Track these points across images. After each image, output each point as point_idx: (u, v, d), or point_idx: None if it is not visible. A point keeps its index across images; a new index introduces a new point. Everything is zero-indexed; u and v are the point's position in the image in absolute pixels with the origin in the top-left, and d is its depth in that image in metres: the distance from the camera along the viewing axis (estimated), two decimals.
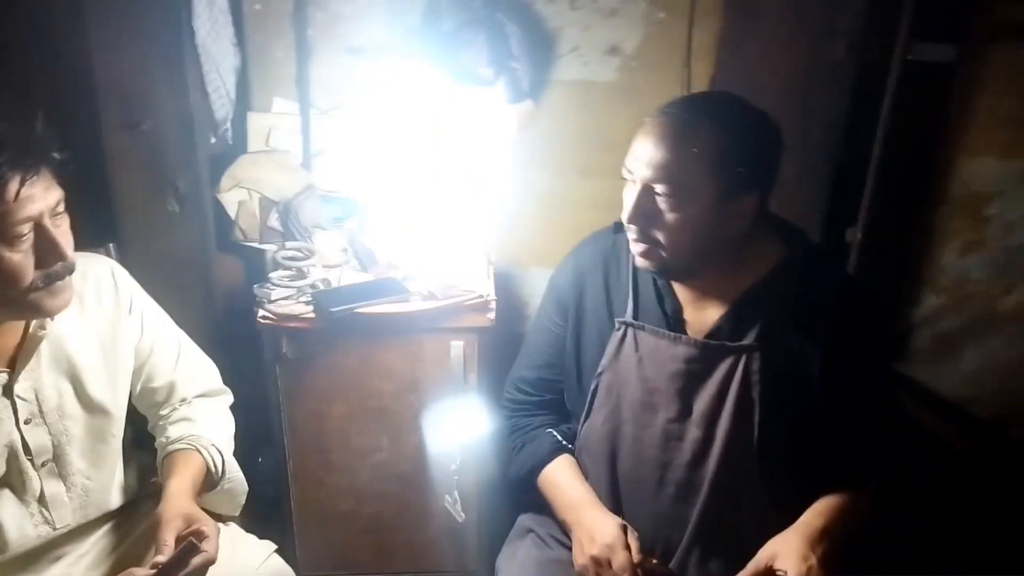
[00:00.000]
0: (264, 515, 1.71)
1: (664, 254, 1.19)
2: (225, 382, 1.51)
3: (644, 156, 1.15)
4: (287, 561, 1.45)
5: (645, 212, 1.16)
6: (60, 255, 1.12)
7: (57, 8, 1.77)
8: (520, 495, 1.46)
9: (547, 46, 1.99)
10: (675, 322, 1.27)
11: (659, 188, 1.14)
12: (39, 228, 1.10)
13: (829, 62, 2.05)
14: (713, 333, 1.25)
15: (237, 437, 1.47)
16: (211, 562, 1.17)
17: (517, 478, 1.42)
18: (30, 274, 1.10)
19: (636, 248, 1.22)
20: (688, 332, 1.26)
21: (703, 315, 1.26)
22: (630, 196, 1.18)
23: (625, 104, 2.01)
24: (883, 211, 2.15)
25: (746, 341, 1.22)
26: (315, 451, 1.74)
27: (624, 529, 1.26)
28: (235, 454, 1.44)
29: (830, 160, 2.16)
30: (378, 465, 1.76)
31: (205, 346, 1.52)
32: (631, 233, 1.21)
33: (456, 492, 1.75)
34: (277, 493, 1.80)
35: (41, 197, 1.09)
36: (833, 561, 1.17)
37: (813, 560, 1.15)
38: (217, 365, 1.51)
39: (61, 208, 1.14)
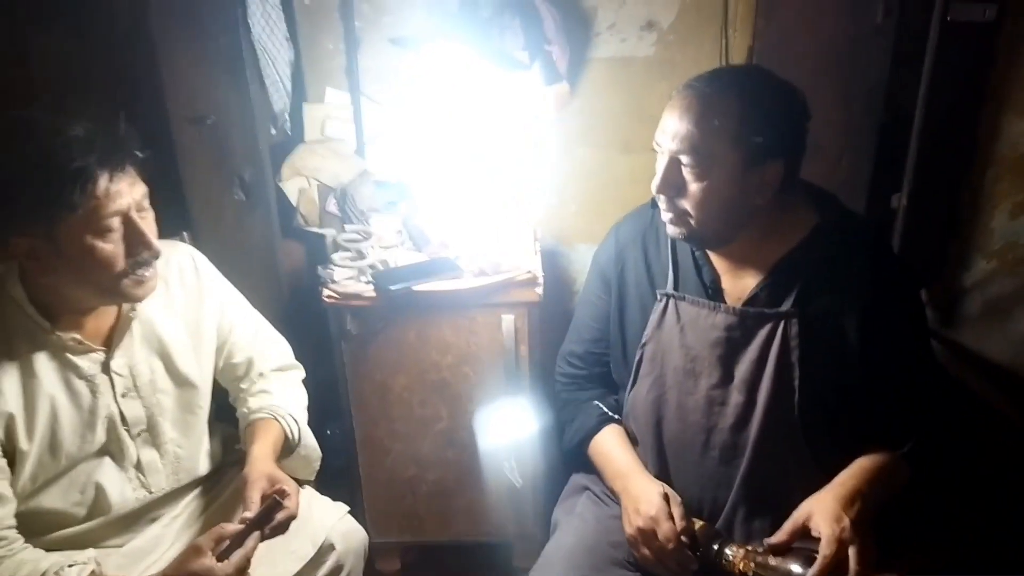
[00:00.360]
0: (334, 483, 1.81)
1: (692, 222, 1.24)
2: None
3: (670, 128, 1.21)
4: None
5: (672, 182, 1.22)
6: (147, 244, 1.23)
7: (124, 16, 1.89)
8: (572, 460, 1.54)
9: (585, 25, 2.04)
10: (714, 291, 1.33)
11: (684, 159, 1.20)
12: (127, 220, 1.20)
13: (867, 27, 2.05)
14: (751, 301, 1.29)
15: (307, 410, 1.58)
16: (292, 517, 1.27)
17: (569, 448, 1.50)
18: (120, 263, 1.21)
19: (665, 216, 1.28)
20: (727, 301, 1.32)
21: (740, 283, 1.31)
22: (659, 167, 1.24)
23: (663, 78, 2.04)
24: (928, 176, 2.14)
25: (783, 307, 1.27)
26: (380, 421, 1.85)
27: (667, 498, 1.31)
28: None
29: (872, 126, 2.16)
30: (439, 433, 1.86)
31: (273, 326, 1.62)
32: (660, 202, 1.27)
33: (513, 459, 1.84)
34: (346, 462, 1.91)
35: (128, 192, 1.19)
36: (868, 521, 1.20)
37: (846, 521, 1.18)
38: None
39: (146, 202, 1.24)
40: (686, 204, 1.23)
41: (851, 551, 1.16)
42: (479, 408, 1.82)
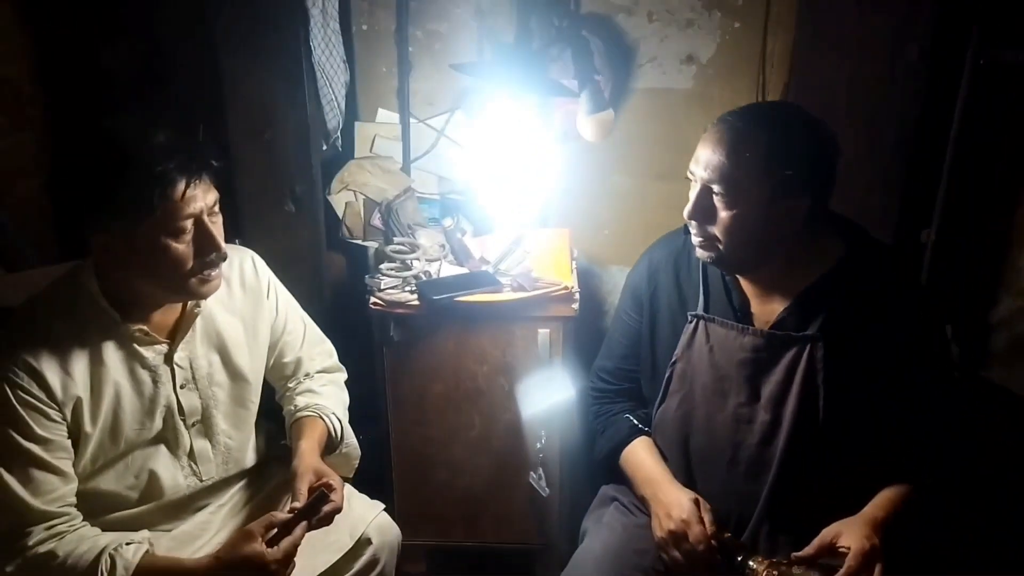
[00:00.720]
0: (370, 484, 1.89)
1: (720, 247, 1.31)
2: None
3: (703, 159, 1.28)
4: None
5: (703, 209, 1.30)
6: (216, 247, 1.31)
7: (192, 32, 2.01)
8: (603, 472, 1.60)
9: (628, 57, 2.13)
10: (743, 314, 1.39)
11: (715, 188, 1.27)
12: (199, 224, 1.28)
13: (901, 66, 2.12)
14: (778, 324, 1.36)
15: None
16: (338, 510, 1.35)
17: (600, 458, 1.56)
18: (190, 262, 1.29)
19: (696, 240, 1.35)
20: (755, 324, 1.38)
21: (768, 308, 1.37)
22: (691, 194, 1.31)
23: (700, 111, 2.12)
24: (957, 213, 2.18)
25: (810, 331, 1.32)
26: (415, 426, 1.92)
27: (698, 503, 1.37)
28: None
29: (904, 161, 2.22)
30: (471, 441, 1.93)
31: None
32: (691, 227, 1.34)
33: (541, 469, 1.90)
34: (380, 463, 1.98)
35: (202, 197, 1.27)
36: (886, 551, 1.25)
37: (876, 540, 1.24)
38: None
39: (217, 208, 1.32)
40: (716, 230, 1.30)
41: (877, 568, 1.21)
42: (511, 417, 1.89)
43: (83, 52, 2.12)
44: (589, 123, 1.73)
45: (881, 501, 1.32)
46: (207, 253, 1.30)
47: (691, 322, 1.43)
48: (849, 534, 1.26)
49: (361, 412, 1.90)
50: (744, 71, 2.15)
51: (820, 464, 1.34)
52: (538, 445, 1.88)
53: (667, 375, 1.45)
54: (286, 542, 1.26)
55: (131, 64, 2.12)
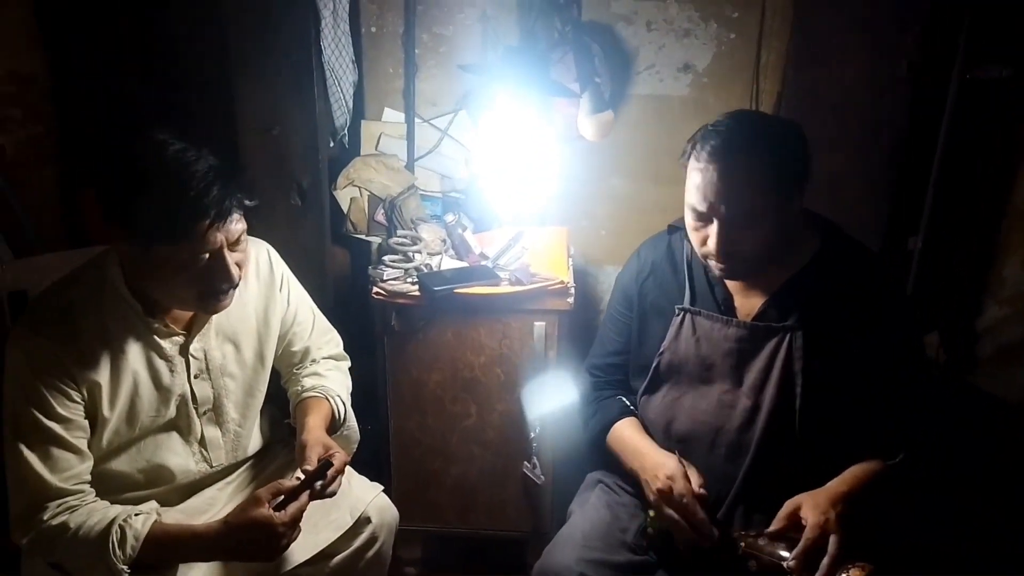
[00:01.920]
0: (369, 470, 1.94)
1: (746, 266, 1.38)
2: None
3: (717, 198, 1.31)
4: None
5: (728, 243, 1.34)
6: (228, 279, 1.29)
7: (205, 30, 2.07)
8: (594, 456, 1.66)
9: (626, 64, 2.20)
10: (726, 307, 1.47)
11: (738, 221, 1.32)
12: (216, 256, 1.26)
13: (890, 79, 2.19)
14: (759, 316, 1.43)
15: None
16: (340, 474, 1.40)
17: (591, 437, 1.63)
18: (200, 287, 1.29)
19: (720, 269, 1.38)
20: (738, 316, 1.46)
21: (750, 302, 1.45)
22: (709, 234, 1.34)
23: (696, 117, 2.16)
24: (943, 221, 2.26)
25: (789, 322, 1.40)
26: (413, 414, 1.98)
27: (682, 464, 1.41)
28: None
29: (893, 170, 2.29)
30: (467, 430, 1.99)
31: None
32: (718, 262, 1.37)
33: (535, 458, 1.96)
34: (381, 452, 2.04)
35: (224, 231, 1.24)
36: (852, 520, 1.30)
37: (832, 514, 1.29)
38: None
39: (242, 238, 1.30)
40: (741, 250, 1.35)
41: (831, 538, 1.27)
42: (506, 408, 1.96)
43: (95, 45, 2.17)
44: (590, 123, 1.80)
45: (846, 476, 1.37)
46: (218, 283, 1.30)
47: (678, 315, 1.50)
48: (808, 507, 1.31)
49: (363, 402, 1.97)
50: (739, 80, 2.23)
51: (795, 448, 1.40)
52: (532, 435, 1.94)
53: (654, 364, 1.52)
54: (293, 507, 1.31)
55: (142, 56, 2.18)
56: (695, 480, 1.39)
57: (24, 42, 2.18)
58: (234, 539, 1.29)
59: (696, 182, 1.34)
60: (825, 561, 1.26)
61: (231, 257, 1.28)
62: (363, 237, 2.24)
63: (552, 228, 2.13)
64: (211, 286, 1.30)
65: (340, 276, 2.27)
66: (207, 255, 1.26)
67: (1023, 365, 2.36)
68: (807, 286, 1.41)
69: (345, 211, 2.22)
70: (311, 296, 1.71)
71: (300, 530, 1.34)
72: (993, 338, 2.39)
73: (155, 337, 1.38)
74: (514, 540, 2.13)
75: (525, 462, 1.98)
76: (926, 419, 1.41)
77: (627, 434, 1.54)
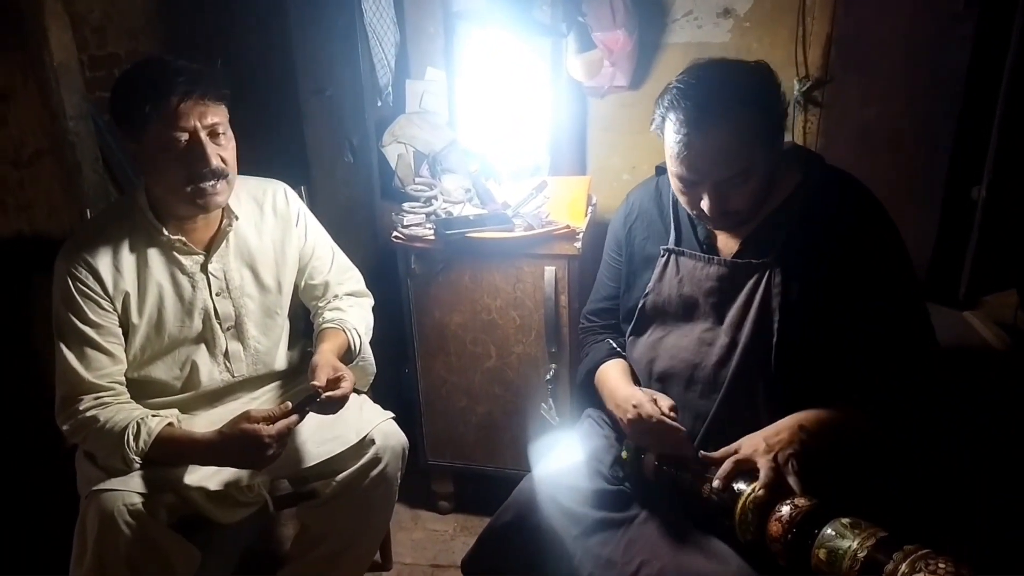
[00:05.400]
0: (402, 409, 2.06)
1: (741, 217, 1.38)
2: (383, 305, 1.88)
3: (704, 164, 1.30)
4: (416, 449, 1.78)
5: (722, 202, 1.34)
6: (206, 163, 1.47)
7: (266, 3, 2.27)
8: (583, 397, 1.70)
9: (660, 12, 2.18)
10: (708, 247, 1.47)
11: (731, 180, 1.31)
12: (194, 140, 1.46)
13: (948, 15, 2.04)
14: (740, 253, 1.42)
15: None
16: (346, 397, 1.55)
17: (580, 380, 1.68)
18: (182, 172, 1.48)
19: (717, 225, 1.40)
20: (720, 254, 1.45)
21: (732, 239, 1.44)
22: (702, 197, 1.34)
23: None
24: (1009, 168, 2.09)
25: (768, 259, 1.38)
26: (438, 354, 2.10)
27: (648, 392, 1.44)
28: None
29: (953, 116, 2.14)
30: (488, 370, 2.08)
31: (371, 274, 1.89)
32: (709, 215, 1.36)
33: (551, 399, 2.03)
34: (412, 392, 2.17)
35: (197, 115, 1.45)
36: (798, 458, 1.27)
37: (763, 445, 1.29)
38: (378, 290, 1.89)
39: (222, 130, 1.51)
40: (735, 206, 1.35)
41: (781, 456, 1.26)
42: (523, 350, 2.03)
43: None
44: (578, 62, 1.82)
45: (801, 414, 1.34)
46: (197, 168, 1.48)
47: (663, 256, 1.51)
48: (746, 441, 1.31)
49: (399, 347, 2.10)
50: (783, 23, 2.16)
51: (767, 385, 1.38)
52: (547, 377, 2.01)
53: (640, 305, 1.54)
54: (280, 423, 1.47)
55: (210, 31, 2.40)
56: (664, 403, 1.42)
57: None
58: (226, 447, 1.47)
59: (677, 152, 1.33)
60: (726, 466, 1.28)
61: (211, 147, 1.47)
62: (410, 191, 2.36)
63: (576, 178, 2.16)
64: (195, 170, 1.48)
65: (388, 230, 2.40)
66: (186, 135, 1.45)
67: None
68: (787, 221, 1.38)
69: (393, 167, 2.35)
70: (364, 248, 1.86)
71: (286, 444, 1.51)
72: None
73: (175, 253, 1.60)
74: None
75: (543, 403, 2.04)
76: (907, 364, 1.35)
77: (608, 375, 1.57)
